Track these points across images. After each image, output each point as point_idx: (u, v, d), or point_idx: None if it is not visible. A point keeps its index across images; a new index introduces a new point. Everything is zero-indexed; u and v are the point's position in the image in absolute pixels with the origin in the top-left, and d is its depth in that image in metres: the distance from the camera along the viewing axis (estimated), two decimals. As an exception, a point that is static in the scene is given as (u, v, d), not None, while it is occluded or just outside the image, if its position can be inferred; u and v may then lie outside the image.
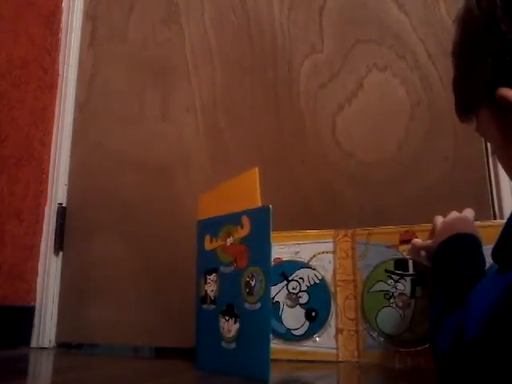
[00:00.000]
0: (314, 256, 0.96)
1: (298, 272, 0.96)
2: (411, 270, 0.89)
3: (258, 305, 0.75)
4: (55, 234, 1.32)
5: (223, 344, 0.80)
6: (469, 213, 0.80)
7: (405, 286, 0.89)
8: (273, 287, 0.95)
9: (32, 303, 1.28)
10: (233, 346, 0.78)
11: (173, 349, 1.13)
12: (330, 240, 0.96)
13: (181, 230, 1.19)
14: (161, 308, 1.19)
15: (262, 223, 0.76)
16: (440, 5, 1.09)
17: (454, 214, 0.80)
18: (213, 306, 0.83)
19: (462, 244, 0.72)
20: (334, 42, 1.17)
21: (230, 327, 0.79)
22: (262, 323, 0.74)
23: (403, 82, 1.10)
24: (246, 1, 1.26)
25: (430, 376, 0.78)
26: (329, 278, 0.95)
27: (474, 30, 0.58)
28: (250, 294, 0.76)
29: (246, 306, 0.77)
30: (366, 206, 1.07)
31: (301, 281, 0.96)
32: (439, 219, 0.82)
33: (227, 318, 0.80)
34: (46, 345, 1.25)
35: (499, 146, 0.60)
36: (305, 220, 1.10)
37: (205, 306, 0.85)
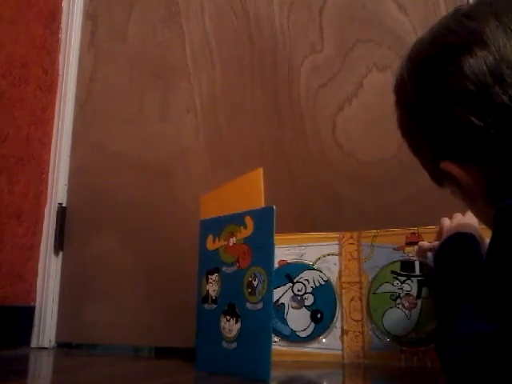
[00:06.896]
0: (320, 258, 0.96)
1: (303, 274, 0.96)
2: (417, 271, 0.90)
3: (260, 305, 0.75)
4: (55, 234, 1.31)
5: (224, 344, 0.80)
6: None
7: (411, 286, 0.90)
8: (278, 289, 0.95)
9: (32, 303, 1.27)
10: (233, 345, 0.79)
11: (173, 349, 1.13)
12: (336, 242, 0.96)
13: (181, 230, 1.19)
14: (161, 308, 1.19)
15: (265, 224, 0.77)
16: (440, 5, 1.10)
17: (458, 216, 0.81)
18: (214, 306, 0.83)
19: (462, 243, 0.72)
20: (334, 42, 1.17)
21: (231, 327, 0.79)
22: (263, 323, 0.74)
23: (403, 82, 1.10)
24: (246, 1, 1.26)
25: (436, 376, 0.78)
26: (334, 279, 0.95)
27: (407, 105, 0.58)
28: (252, 294, 0.76)
29: (248, 305, 0.77)
30: (367, 207, 1.07)
31: (306, 282, 0.96)
32: (446, 221, 0.82)
33: (228, 317, 0.80)
34: (46, 345, 1.25)
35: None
36: (305, 221, 1.10)
37: (206, 306, 0.85)
